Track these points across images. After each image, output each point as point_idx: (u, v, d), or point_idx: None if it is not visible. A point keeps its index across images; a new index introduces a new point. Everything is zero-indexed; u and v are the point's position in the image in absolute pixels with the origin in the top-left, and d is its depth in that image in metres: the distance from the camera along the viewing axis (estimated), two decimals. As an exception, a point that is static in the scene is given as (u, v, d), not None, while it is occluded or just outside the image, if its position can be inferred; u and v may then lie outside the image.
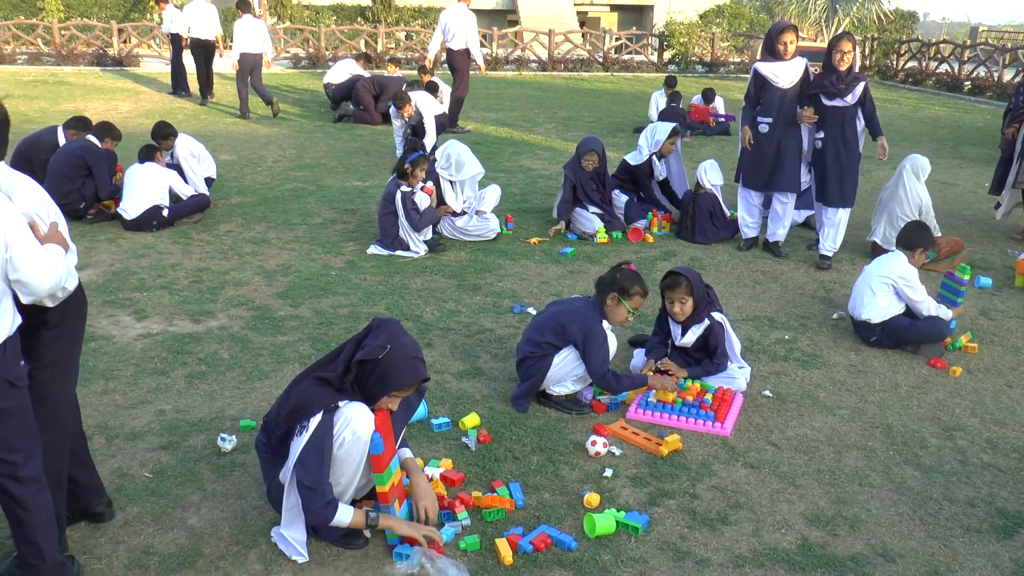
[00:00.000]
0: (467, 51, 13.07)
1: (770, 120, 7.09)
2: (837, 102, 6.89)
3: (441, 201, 7.52)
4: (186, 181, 8.25)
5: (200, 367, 4.96)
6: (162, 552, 3.34)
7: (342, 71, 14.48)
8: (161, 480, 3.81)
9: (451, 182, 7.62)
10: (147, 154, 7.87)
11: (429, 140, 10.24)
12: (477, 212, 7.63)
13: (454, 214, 7.59)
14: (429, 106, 10.75)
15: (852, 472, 4.12)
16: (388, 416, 3.40)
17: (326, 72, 15.58)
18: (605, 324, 4.52)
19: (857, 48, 6.71)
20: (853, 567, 3.42)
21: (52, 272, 2.75)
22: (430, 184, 7.37)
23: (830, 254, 7.31)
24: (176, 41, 15.82)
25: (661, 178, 8.35)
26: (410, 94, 10.52)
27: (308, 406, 3.23)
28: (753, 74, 7.14)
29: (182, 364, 4.99)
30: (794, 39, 6.96)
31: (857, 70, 6.92)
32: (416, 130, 10.45)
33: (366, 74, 14.46)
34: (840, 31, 27.74)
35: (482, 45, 23.78)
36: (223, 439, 4.06)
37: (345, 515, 3.22)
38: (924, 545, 3.60)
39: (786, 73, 6.97)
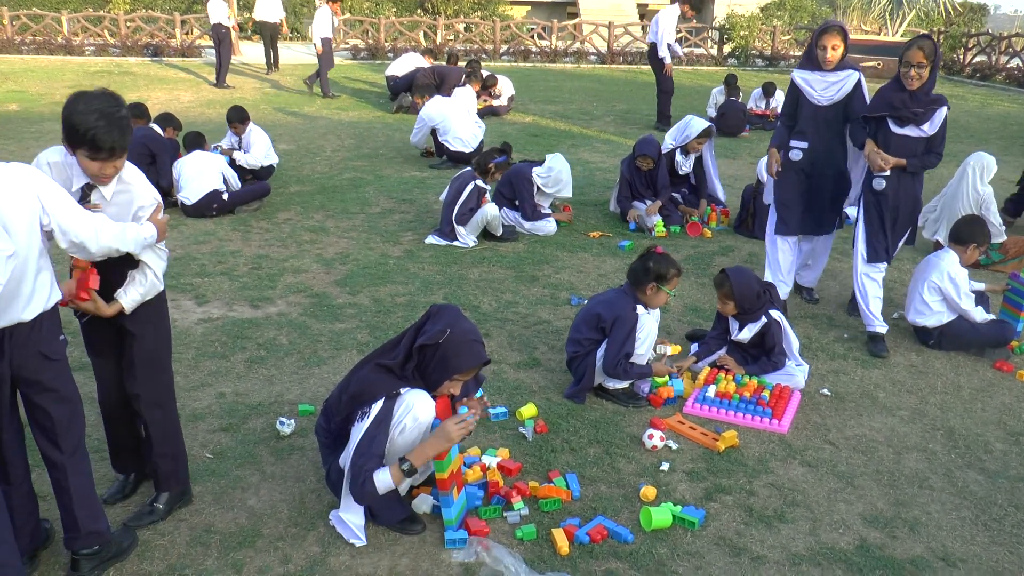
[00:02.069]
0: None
1: (805, 145, 5.64)
2: (910, 130, 5.21)
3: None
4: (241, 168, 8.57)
5: (259, 352, 5.04)
6: (223, 531, 3.41)
7: (407, 63, 14.57)
8: (222, 461, 3.89)
9: (538, 187, 7.68)
10: (195, 141, 8.06)
11: (412, 135, 10.33)
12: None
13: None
14: (432, 110, 10.42)
15: (912, 474, 4.05)
16: (449, 404, 3.43)
17: (388, 64, 15.70)
18: (640, 310, 4.50)
19: (935, 52, 5.03)
20: (912, 570, 3.38)
21: (99, 233, 2.92)
22: (488, 195, 7.39)
23: (880, 330, 5.51)
24: (218, 32, 16.30)
25: (682, 172, 8.23)
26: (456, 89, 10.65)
27: (369, 392, 3.28)
28: (790, 84, 5.75)
29: (241, 348, 5.08)
30: (839, 44, 5.36)
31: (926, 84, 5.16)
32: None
33: (427, 65, 14.53)
34: (906, 27, 27.21)
35: (541, 37, 23.92)
36: (282, 423, 4.13)
37: (384, 480, 3.21)
38: (988, 551, 3.53)
39: (825, 86, 5.49)
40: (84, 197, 3.05)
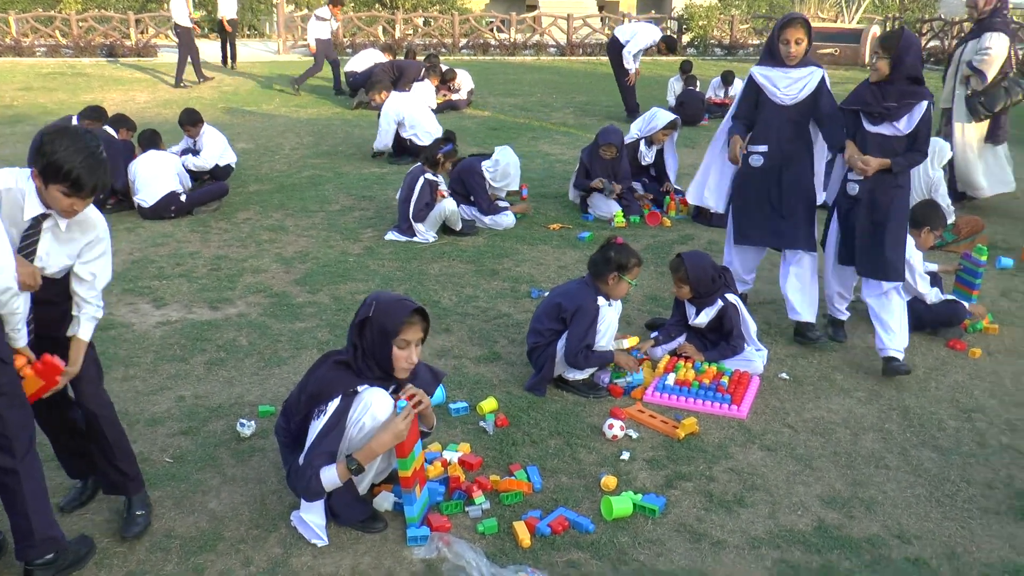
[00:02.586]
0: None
1: (765, 149, 5.14)
2: (885, 128, 4.79)
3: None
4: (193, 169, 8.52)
5: (219, 354, 5.01)
6: (183, 535, 3.38)
7: (366, 60, 14.49)
8: (181, 465, 3.86)
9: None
10: (150, 140, 7.98)
11: (379, 135, 10.17)
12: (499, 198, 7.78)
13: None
14: (396, 106, 10.26)
15: (869, 454, 4.12)
16: (416, 428, 3.43)
17: (347, 60, 15.61)
18: (602, 301, 4.54)
19: (897, 42, 4.67)
20: (869, 548, 3.43)
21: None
22: (444, 188, 7.37)
23: (894, 354, 4.87)
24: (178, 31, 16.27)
25: (645, 163, 8.32)
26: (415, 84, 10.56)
27: (327, 391, 3.28)
28: (747, 82, 5.24)
29: (201, 351, 5.05)
30: (802, 37, 4.93)
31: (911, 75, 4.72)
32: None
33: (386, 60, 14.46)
34: (862, 13, 27.55)
35: (500, 30, 23.91)
36: (242, 424, 4.11)
37: (330, 477, 3.23)
38: (941, 527, 3.59)
39: (789, 83, 5.03)
40: (35, 227, 3.02)
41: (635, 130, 8.26)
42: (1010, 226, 8.02)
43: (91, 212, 3.15)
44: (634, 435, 4.19)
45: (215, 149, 8.72)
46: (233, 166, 9.01)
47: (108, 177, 3.00)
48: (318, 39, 15.49)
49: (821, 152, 5.22)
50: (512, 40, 23.35)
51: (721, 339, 4.94)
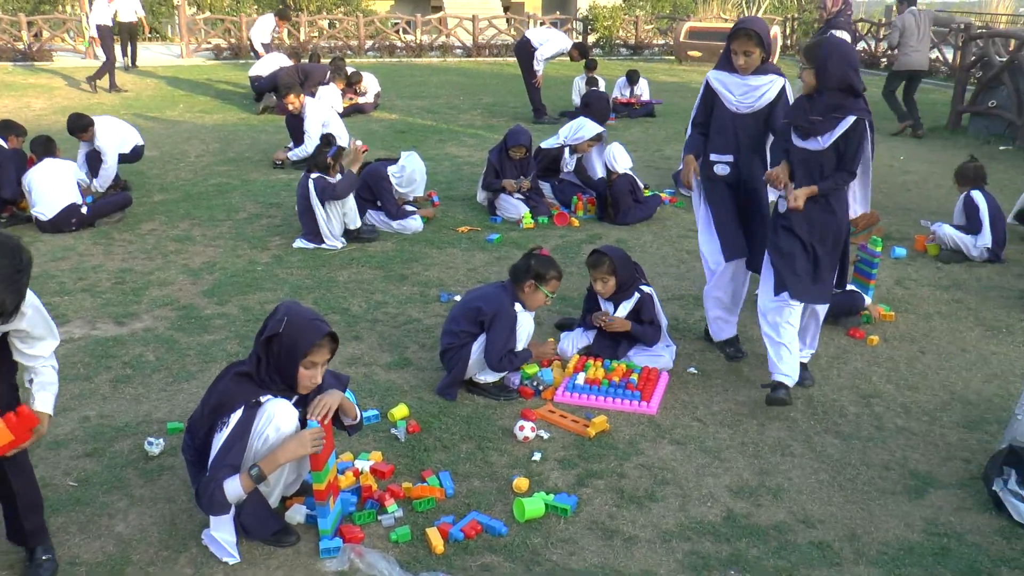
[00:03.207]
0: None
1: (731, 159, 4.87)
2: (811, 143, 4.38)
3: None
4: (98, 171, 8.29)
5: (125, 370, 4.89)
6: (89, 562, 3.29)
7: (271, 63, 14.23)
8: (86, 488, 3.75)
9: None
10: (46, 148, 7.67)
11: (308, 141, 9.88)
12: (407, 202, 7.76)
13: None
14: (319, 109, 10.22)
15: (775, 443, 4.24)
16: (330, 411, 3.40)
17: (252, 64, 15.33)
18: (519, 307, 4.59)
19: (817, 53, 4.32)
20: (776, 535, 3.53)
21: None
22: (361, 142, 7.34)
23: (784, 379, 4.50)
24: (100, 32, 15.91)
25: (567, 170, 8.44)
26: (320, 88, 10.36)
27: (229, 403, 3.24)
28: (703, 86, 4.93)
29: (106, 368, 4.91)
30: (752, 50, 4.62)
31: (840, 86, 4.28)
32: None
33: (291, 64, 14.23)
34: (762, 13, 28.16)
35: (406, 31, 23.79)
36: (150, 443, 4.01)
37: (233, 489, 3.18)
38: (843, 510, 3.73)
39: (745, 91, 4.74)
40: None
41: (562, 137, 8.35)
42: (903, 217, 8.33)
43: None
44: (545, 436, 4.22)
45: (111, 141, 8.38)
46: (141, 144, 8.78)
47: (20, 297, 2.78)
48: (263, 43, 15.80)
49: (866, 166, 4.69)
50: (418, 42, 23.22)
51: (633, 346, 5.03)
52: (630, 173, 7.94)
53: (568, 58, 13.68)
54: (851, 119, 4.26)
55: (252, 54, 16.60)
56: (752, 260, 4.99)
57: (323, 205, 6.99)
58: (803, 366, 4.80)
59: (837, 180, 4.40)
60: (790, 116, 4.47)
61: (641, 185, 8.16)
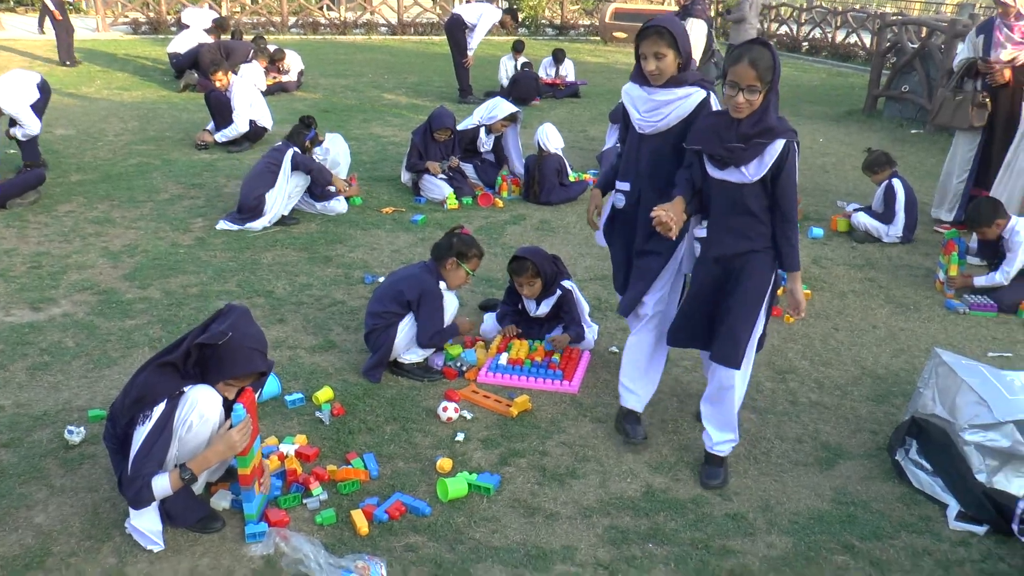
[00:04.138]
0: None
1: (627, 188, 4.03)
2: (731, 174, 3.55)
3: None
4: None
5: (43, 358, 4.77)
6: (5, 556, 3.22)
7: (189, 39, 13.89)
8: (2, 480, 3.66)
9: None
10: None
11: (238, 120, 9.70)
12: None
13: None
14: (247, 87, 9.97)
15: (693, 420, 4.33)
16: (254, 397, 3.39)
17: (171, 40, 14.93)
18: (443, 286, 4.64)
19: (773, 66, 3.40)
20: (693, 508, 3.64)
21: None
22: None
23: (720, 452, 3.89)
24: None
25: (483, 150, 8.48)
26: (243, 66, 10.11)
27: (151, 395, 3.19)
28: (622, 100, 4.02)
29: (22, 356, 4.79)
30: (665, 51, 3.67)
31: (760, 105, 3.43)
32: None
33: (211, 41, 13.91)
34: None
35: (330, 8, 23.45)
36: (70, 431, 3.93)
37: (161, 486, 3.16)
38: (757, 482, 3.85)
39: (651, 108, 3.79)
40: None
41: (477, 118, 8.36)
42: (820, 198, 8.56)
43: None
44: (469, 416, 4.27)
45: (13, 100, 7.82)
46: (42, 79, 8.14)
47: None
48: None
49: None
50: (342, 19, 22.94)
51: (558, 325, 5.08)
52: (560, 154, 8.00)
53: (500, 25, 13.64)
54: (780, 143, 3.43)
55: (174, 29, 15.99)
56: (625, 302, 4.12)
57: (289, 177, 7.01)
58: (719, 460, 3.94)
59: (793, 238, 3.60)
60: (698, 141, 3.60)
61: (568, 168, 8.23)
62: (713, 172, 3.58)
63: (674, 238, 3.58)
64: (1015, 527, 3.43)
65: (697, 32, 8.44)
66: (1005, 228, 5.90)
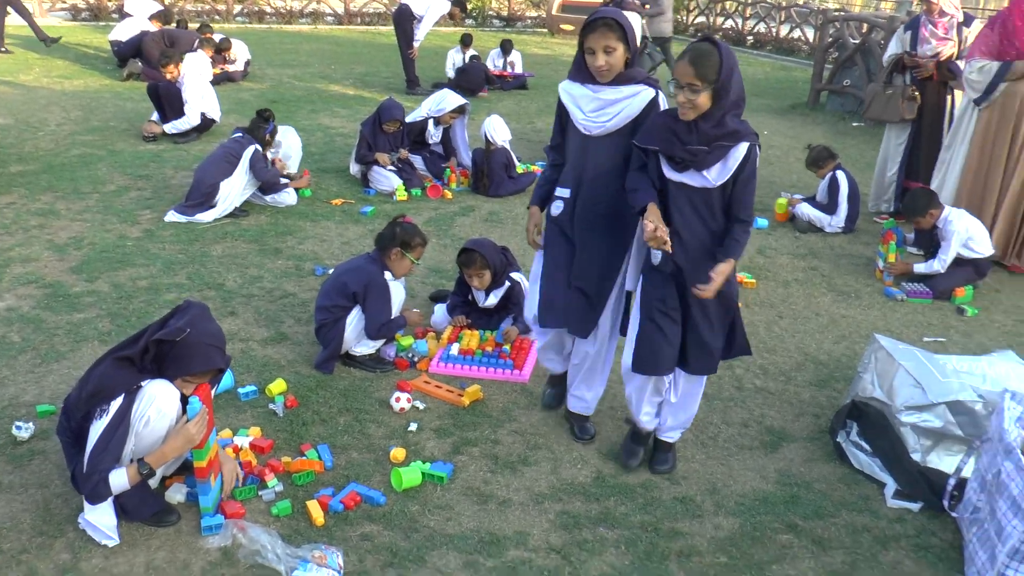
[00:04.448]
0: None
1: (567, 194, 3.77)
2: (690, 177, 3.36)
3: None
4: None
5: (-13, 353, 4.72)
6: (-48, 553, 3.18)
7: (131, 27, 13.63)
8: (-52, 477, 3.64)
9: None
10: None
11: (189, 112, 9.59)
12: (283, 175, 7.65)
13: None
14: (198, 78, 9.81)
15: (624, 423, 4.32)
16: (209, 390, 3.40)
17: (113, 27, 14.62)
18: (389, 276, 4.67)
19: (719, 67, 3.21)
20: (642, 492, 3.73)
21: None
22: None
23: (671, 438, 3.97)
24: None
25: (431, 142, 8.51)
26: (188, 56, 9.89)
27: (108, 389, 3.18)
28: (558, 102, 3.78)
29: (-35, 351, 4.73)
30: (614, 45, 3.49)
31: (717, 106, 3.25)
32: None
33: (155, 29, 13.67)
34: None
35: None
36: (18, 427, 3.88)
37: (119, 481, 3.16)
38: (705, 466, 3.96)
39: (598, 107, 3.58)
40: None
41: (425, 110, 8.37)
42: (765, 189, 8.69)
43: None
44: (421, 406, 4.31)
45: None
46: None
47: None
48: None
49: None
50: (288, 8, 22.70)
51: (508, 315, 5.15)
52: (507, 147, 8.05)
53: (449, 17, 13.63)
54: (743, 146, 3.27)
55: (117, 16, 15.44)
56: (582, 319, 3.88)
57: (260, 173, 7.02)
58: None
59: (743, 237, 3.43)
60: (655, 141, 3.39)
61: (516, 160, 8.29)
62: (671, 174, 3.38)
63: (670, 250, 3.36)
64: (945, 503, 3.58)
65: (633, 25, 8.56)
66: (939, 218, 6.10)
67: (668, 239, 3.29)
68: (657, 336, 3.56)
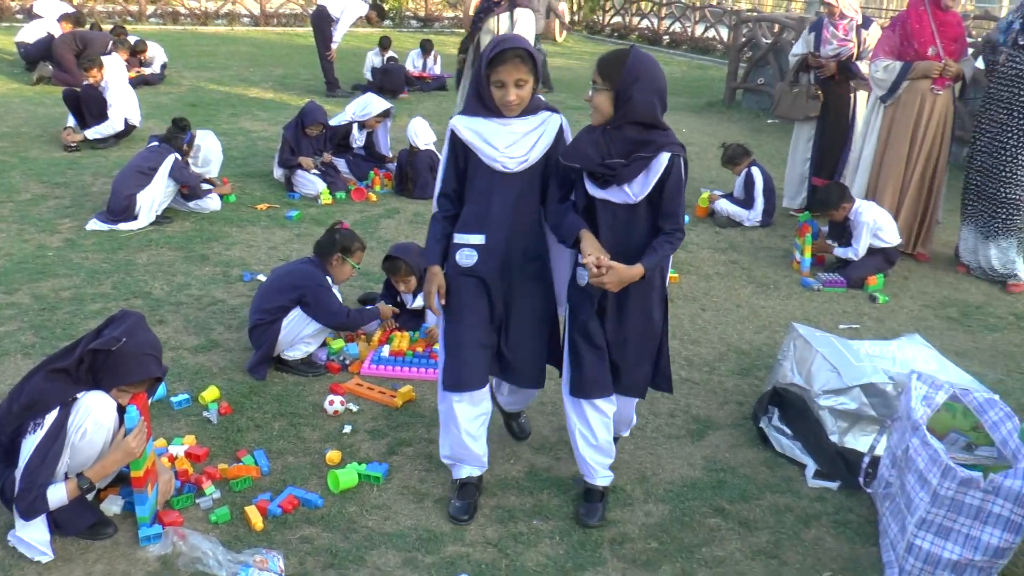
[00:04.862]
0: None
1: (482, 240, 3.41)
2: (612, 194, 3.25)
3: None
4: None
5: (-98, 369, 4.60)
6: None
7: (39, 29, 13.24)
8: None
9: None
10: None
11: (114, 116, 9.36)
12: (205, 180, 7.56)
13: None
14: (121, 82, 9.64)
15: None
16: (147, 400, 3.39)
17: (19, 29, 14.17)
18: (329, 281, 4.74)
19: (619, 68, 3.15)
20: (574, 485, 3.81)
21: None
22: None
23: (604, 483, 3.68)
24: None
25: (355, 145, 8.54)
26: (104, 58, 9.65)
27: (43, 402, 3.14)
28: (448, 139, 3.42)
29: None
30: (525, 78, 3.23)
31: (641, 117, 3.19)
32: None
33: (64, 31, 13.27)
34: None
35: None
36: (-62, 445, 3.82)
37: (58, 496, 3.13)
38: (634, 456, 4.08)
39: (513, 140, 3.33)
40: None
41: (349, 113, 8.39)
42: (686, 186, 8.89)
43: None
44: (355, 408, 4.35)
45: None
46: None
47: None
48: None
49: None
50: (203, 8, 22.31)
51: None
52: (432, 148, 8.11)
53: (366, 21, 13.58)
54: (664, 157, 3.18)
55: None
56: (516, 365, 3.64)
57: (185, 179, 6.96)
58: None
59: (662, 248, 3.28)
60: (576, 158, 3.27)
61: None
62: (594, 191, 3.26)
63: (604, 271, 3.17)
64: (861, 480, 3.77)
65: (528, 23, 8.59)
66: (851, 211, 6.36)
67: (605, 265, 3.16)
68: (590, 357, 3.43)
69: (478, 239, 3.41)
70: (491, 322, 3.51)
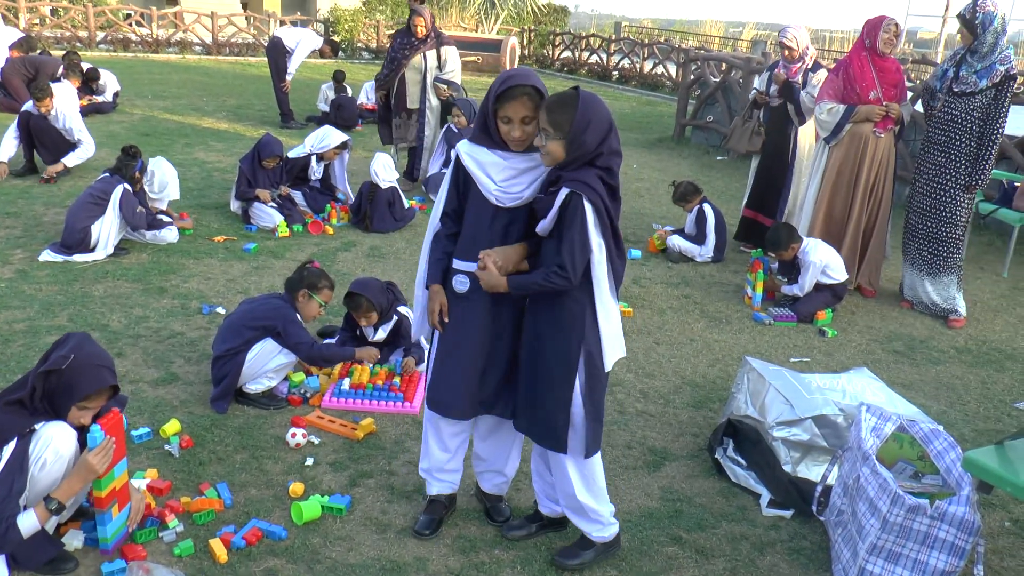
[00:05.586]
0: None
1: (475, 268, 3.32)
2: (541, 228, 3.23)
3: None
4: None
5: None
6: None
7: None
8: None
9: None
10: None
11: (86, 140, 9.34)
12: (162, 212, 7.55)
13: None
14: (73, 107, 9.57)
15: (530, 435, 4.59)
16: (120, 420, 3.38)
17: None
18: (298, 318, 4.79)
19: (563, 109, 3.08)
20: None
21: None
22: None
23: (600, 538, 3.59)
24: None
25: (314, 178, 8.60)
26: (54, 86, 9.56)
27: (0, 435, 3.14)
28: (453, 164, 3.40)
29: None
30: (531, 115, 3.16)
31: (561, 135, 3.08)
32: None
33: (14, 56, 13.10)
34: (500, 24, 29.13)
35: (140, 24, 22.64)
36: None
37: (29, 523, 3.12)
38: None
39: (511, 176, 3.26)
40: None
41: (308, 146, 8.44)
42: (637, 221, 9.10)
43: None
44: (316, 441, 4.38)
45: None
46: None
47: None
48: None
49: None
50: (154, 36, 22.22)
51: (397, 348, 5.30)
52: (395, 185, 8.18)
53: (320, 55, 13.64)
54: (563, 193, 3.09)
55: None
56: (502, 398, 3.58)
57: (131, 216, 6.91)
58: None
59: (536, 278, 3.18)
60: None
61: (404, 199, 8.43)
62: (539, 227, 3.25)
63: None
64: (814, 508, 3.89)
65: (455, 60, 9.30)
66: (799, 250, 6.56)
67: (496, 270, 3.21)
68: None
69: (471, 267, 3.35)
70: (485, 350, 3.45)
